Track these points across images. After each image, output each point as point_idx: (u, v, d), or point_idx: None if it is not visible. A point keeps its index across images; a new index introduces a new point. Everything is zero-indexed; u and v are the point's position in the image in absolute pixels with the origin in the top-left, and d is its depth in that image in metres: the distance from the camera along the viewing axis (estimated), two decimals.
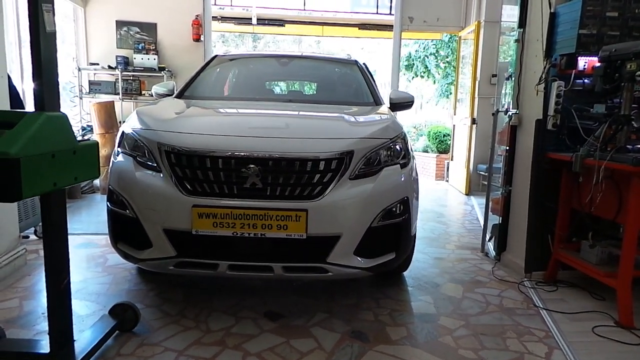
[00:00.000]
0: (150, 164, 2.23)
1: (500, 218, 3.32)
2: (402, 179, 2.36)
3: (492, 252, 3.41)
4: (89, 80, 5.96)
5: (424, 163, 9.05)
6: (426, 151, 9.48)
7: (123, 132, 2.45)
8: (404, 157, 2.43)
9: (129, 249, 2.29)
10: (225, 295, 2.55)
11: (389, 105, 3.36)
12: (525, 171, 3.02)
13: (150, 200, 2.18)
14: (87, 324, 2.20)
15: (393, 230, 2.31)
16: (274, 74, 4.12)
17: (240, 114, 2.82)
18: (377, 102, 3.25)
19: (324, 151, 2.17)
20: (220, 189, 2.12)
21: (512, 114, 3.18)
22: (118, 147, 2.43)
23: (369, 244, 2.22)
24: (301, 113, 2.83)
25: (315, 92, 4.27)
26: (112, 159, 2.45)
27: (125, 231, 2.30)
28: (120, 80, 5.80)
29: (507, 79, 3.46)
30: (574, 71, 2.73)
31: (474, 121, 6.19)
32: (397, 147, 2.42)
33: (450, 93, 13.06)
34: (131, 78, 5.97)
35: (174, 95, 3.30)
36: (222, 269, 2.16)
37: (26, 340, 2.03)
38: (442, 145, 9.08)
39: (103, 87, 5.81)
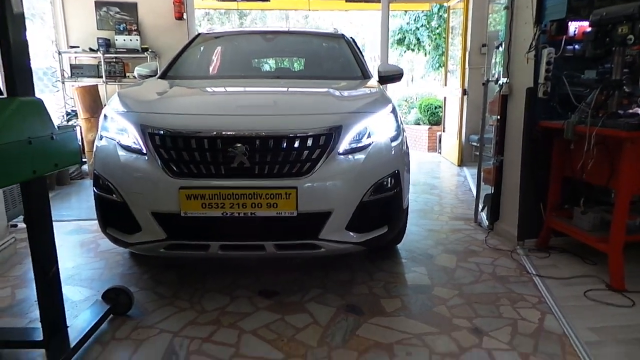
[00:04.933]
0: (135, 146, 2.18)
1: (493, 188, 3.31)
2: (393, 153, 2.33)
3: (485, 222, 3.42)
4: (71, 64, 5.80)
5: (415, 136, 9.02)
6: (418, 124, 9.43)
7: (105, 114, 2.38)
8: (393, 130, 2.40)
9: (118, 233, 2.26)
10: (219, 275, 2.55)
11: (377, 79, 3.30)
12: (517, 140, 3.00)
13: (136, 184, 2.14)
14: (81, 310, 2.18)
15: (385, 204, 2.30)
16: (259, 50, 4.02)
17: (225, 93, 2.75)
18: (366, 75, 3.19)
19: (311, 127, 2.13)
20: (207, 169, 2.08)
21: (503, 83, 3.14)
22: (101, 130, 2.37)
23: (360, 218, 2.20)
24: (288, 89, 2.78)
25: (303, 68, 4.19)
26: (95, 142, 2.40)
27: (113, 216, 2.27)
28: (102, 62, 5.65)
29: (497, 47, 3.40)
30: (564, 37, 2.68)
31: (465, 92, 6.13)
32: (387, 120, 2.38)
33: (442, 65, 12.93)
34: (114, 60, 5.82)
35: (156, 76, 3.22)
36: (214, 250, 2.15)
37: (20, 328, 2.02)
38: (433, 117, 9.03)
39: (85, 71, 5.67)
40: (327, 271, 2.60)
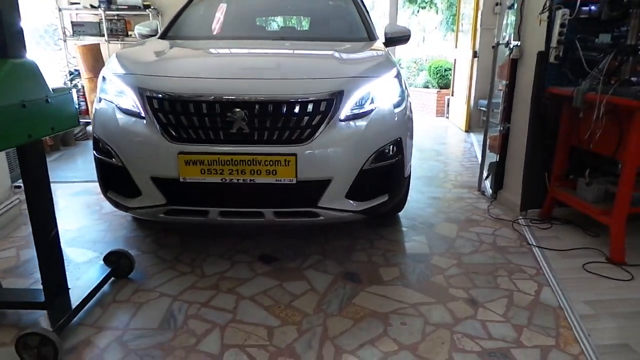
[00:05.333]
0: (133, 110, 2.14)
1: (498, 156, 3.26)
2: (396, 119, 2.28)
3: (489, 191, 3.39)
4: (72, 22, 5.66)
5: (424, 99, 8.84)
6: (427, 87, 9.22)
7: (104, 76, 2.34)
8: (397, 95, 2.33)
9: (118, 197, 2.27)
10: (220, 240, 2.57)
11: (384, 41, 3.19)
12: (525, 107, 2.91)
13: (135, 148, 2.12)
14: (83, 272, 2.23)
15: (386, 172, 2.27)
16: (263, 9, 3.88)
17: (224, 55, 2.67)
18: (371, 37, 3.08)
19: (312, 92, 2.08)
20: (206, 134, 2.05)
21: (513, 46, 3.02)
22: (100, 93, 2.33)
23: (360, 186, 2.18)
24: (289, 52, 2.69)
25: (308, 28, 4.06)
26: (94, 105, 2.37)
27: (113, 180, 2.27)
28: (104, 20, 5.51)
29: (510, 7, 3.25)
30: None
31: (475, 54, 5.93)
32: (390, 85, 2.31)
33: (454, 25, 12.48)
34: (115, 17, 5.67)
35: (157, 36, 3.13)
36: (213, 216, 2.15)
37: (22, 289, 2.07)
38: (443, 80, 8.82)
39: (87, 28, 5.53)
40: (327, 237, 2.61)
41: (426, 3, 12.47)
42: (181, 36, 3.08)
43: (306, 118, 2.06)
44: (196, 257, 2.39)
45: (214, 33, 3.40)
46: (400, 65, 10.96)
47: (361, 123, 2.15)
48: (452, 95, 7.01)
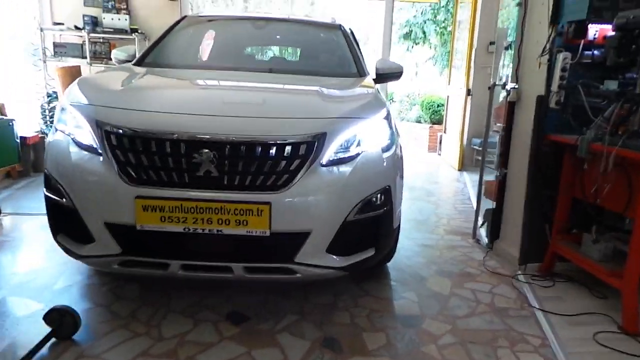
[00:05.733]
0: (89, 145, 1.89)
1: (495, 203, 3.04)
2: (384, 165, 2.06)
3: (485, 240, 3.15)
4: (54, 42, 5.47)
5: (416, 134, 8.72)
6: (419, 121, 9.14)
7: (62, 106, 2.10)
8: (386, 138, 2.12)
9: (69, 242, 1.99)
10: (186, 292, 2.28)
11: (374, 77, 3.01)
12: (523, 153, 2.72)
13: (88, 188, 1.86)
14: (21, 330, 1.92)
15: (372, 224, 2.03)
16: (249, 38, 3.70)
17: (200, 87, 2.45)
18: (361, 73, 2.90)
19: (291, 133, 1.85)
20: (169, 177, 1.80)
21: (511, 88, 2.85)
22: (56, 123, 2.08)
23: (344, 240, 1.94)
24: (271, 86, 2.49)
25: (298, 60, 3.89)
26: (49, 136, 2.12)
27: (64, 222, 2.00)
28: (87, 42, 5.32)
29: (506, 48, 3.11)
30: (582, 41, 2.39)
31: (469, 92, 5.83)
32: (379, 127, 2.10)
33: (448, 64, 12.57)
34: (100, 40, 5.50)
35: (132, 62, 2.92)
36: (174, 269, 1.88)
37: None
38: (435, 115, 8.73)
39: (69, 50, 5.34)
40: (306, 292, 2.33)
41: (420, 39, 12.58)
42: (160, 63, 2.87)
43: (283, 162, 1.83)
44: (155, 314, 2.09)
45: (198, 62, 3.21)
46: (392, 99, 10.95)
47: (345, 169, 1.93)
48: (445, 132, 6.87)
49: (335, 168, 1.92)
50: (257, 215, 1.79)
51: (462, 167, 5.92)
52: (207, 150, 1.78)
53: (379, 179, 2.03)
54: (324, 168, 1.89)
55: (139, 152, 1.81)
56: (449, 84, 6.80)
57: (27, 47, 5.36)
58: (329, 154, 1.90)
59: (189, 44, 3.34)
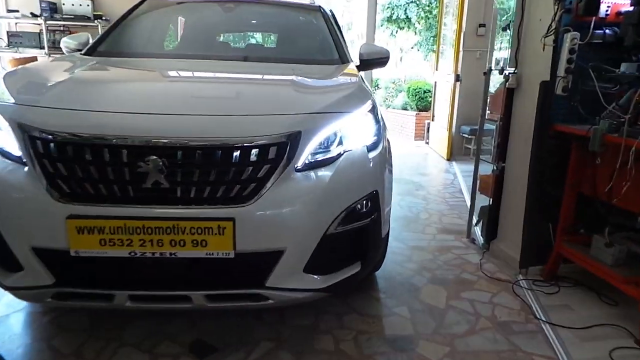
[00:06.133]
0: (11, 153, 1.55)
1: (491, 200, 2.78)
2: (371, 166, 1.77)
3: (480, 239, 2.90)
4: (8, 32, 5.01)
5: (402, 122, 8.44)
6: (405, 108, 8.84)
7: None
8: (372, 135, 1.82)
9: None
10: (143, 319, 1.96)
11: (358, 63, 2.70)
12: (524, 145, 2.44)
13: (11, 206, 1.52)
14: None
15: (358, 236, 1.74)
16: (220, 23, 3.32)
17: (147, 80, 2.09)
18: (344, 59, 2.57)
19: (258, 134, 1.54)
20: (109, 191, 1.48)
21: (509, 73, 2.56)
22: None
23: (324, 256, 1.65)
24: (236, 77, 2.16)
25: (275, 46, 3.55)
26: None
27: None
28: (45, 31, 4.88)
29: (504, 29, 2.81)
30: (594, 18, 2.10)
31: (457, 78, 5.54)
32: (364, 122, 1.80)
33: (434, 49, 12.26)
34: (60, 28, 5.06)
35: (82, 51, 2.55)
36: (120, 301, 1.56)
37: None
38: (422, 102, 8.43)
39: (25, 40, 4.90)
40: (283, 313, 2.04)
41: (405, 23, 12.22)
42: (114, 52, 2.51)
43: (249, 169, 1.52)
44: (105, 348, 1.78)
45: (160, 50, 2.85)
46: (377, 86, 10.63)
47: (325, 173, 1.63)
48: (432, 120, 6.60)
49: (312, 173, 1.61)
50: (219, 233, 1.48)
51: (451, 156, 5.66)
52: (154, 157, 1.45)
53: (365, 183, 1.74)
54: (299, 173, 1.59)
55: (70, 161, 1.47)
56: (436, 70, 6.50)
57: None
58: (304, 156, 1.60)
59: (150, 30, 2.97)
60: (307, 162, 1.61)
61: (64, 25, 5.11)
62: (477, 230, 3.00)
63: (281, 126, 1.58)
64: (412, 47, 13.44)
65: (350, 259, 1.76)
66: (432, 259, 2.67)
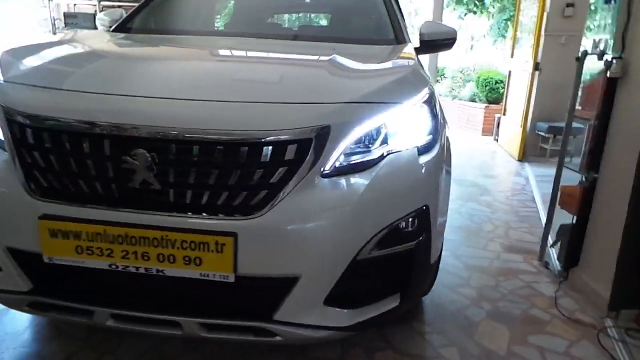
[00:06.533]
0: None
1: (575, 217, 2.25)
2: (422, 173, 1.38)
3: (556, 265, 2.38)
4: (64, 13, 5.03)
5: (469, 115, 7.75)
6: (473, 100, 8.11)
7: None
8: (426, 133, 1.42)
9: None
10: (141, 334, 1.70)
11: (418, 45, 2.26)
12: (628, 152, 1.91)
13: None
14: None
15: (399, 262, 1.36)
16: (268, 2, 3.00)
17: (157, 58, 1.79)
18: (400, 39, 2.16)
19: (273, 127, 1.20)
20: (90, 189, 1.21)
21: (612, 59, 2.02)
22: None
23: (353, 286, 1.29)
24: (267, 56, 1.82)
25: (328, 26, 3.18)
26: None
27: None
28: (99, 11, 4.84)
29: (607, 2, 2.24)
30: None
31: (537, 66, 4.86)
32: (416, 116, 1.41)
33: (507, 31, 11.25)
34: (117, 6, 5.00)
35: (112, 28, 2.33)
36: (101, 319, 1.31)
37: None
38: (492, 94, 7.68)
39: (81, 20, 4.88)
40: None
41: (477, 6, 11.27)
42: (148, 29, 2.28)
43: (260, 172, 1.19)
44: None
45: (203, 28, 2.58)
46: (443, 75, 9.90)
47: (360, 181, 1.27)
48: (504, 113, 5.91)
49: (343, 180, 1.26)
50: (216, 251, 1.17)
51: (524, 157, 5.00)
52: (142, 151, 1.16)
53: (413, 196, 1.35)
54: (326, 180, 1.24)
55: (46, 150, 1.22)
56: (511, 57, 5.80)
57: (38, 18, 4.96)
58: (335, 157, 1.25)
59: (195, 6, 2.72)
60: (337, 165, 1.25)
61: (120, 5, 5.04)
62: (553, 252, 2.48)
63: (305, 118, 1.23)
64: (484, 35, 12.46)
65: (387, 290, 1.39)
66: (495, 286, 2.21)
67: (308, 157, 1.20)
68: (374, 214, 1.27)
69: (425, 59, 7.49)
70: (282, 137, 1.19)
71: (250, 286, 1.22)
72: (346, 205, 1.24)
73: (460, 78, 9.57)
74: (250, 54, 1.81)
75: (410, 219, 1.34)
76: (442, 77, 9.94)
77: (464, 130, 7.56)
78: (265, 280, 1.23)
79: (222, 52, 1.84)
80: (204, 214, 1.18)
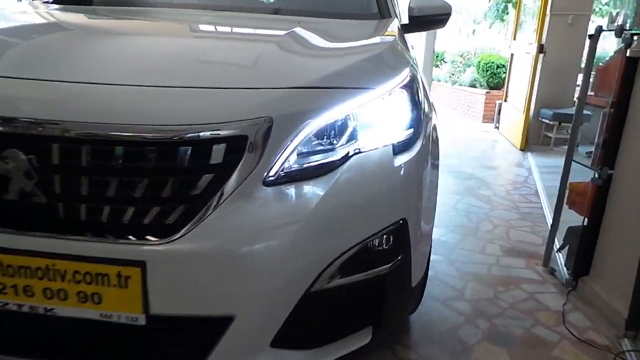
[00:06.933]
0: None
1: (585, 219, 1.96)
2: (399, 178, 1.09)
3: (564, 272, 2.09)
4: None
5: (469, 101, 7.41)
6: (474, 85, 7.75)
7: None
8: (404, 126, 1.12)
9: None
10: None
11: (407, 21, 1.94)
12: None
13: None
14: None
15: (368, 291, 1.08)
16: None
17: (72, 34, 1.46)
18: (384, 14, 1.83)
19: (194, 121, 0.90)
20: None
21: (633, 34, 1.71)
22: None
23: (308, 322, 1.01)
24: (201, 30, 1.50)
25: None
26: None
27: None
28: None
29: None
30: None
31: (541, 49, 4.52)
32: (391, 104, 1.11)
33: (506, 13, 10.84)
34: None
35: None
36: None
37: None
38: (494, 79, 7.32)
39: None
40: None
41: None
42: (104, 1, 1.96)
43: (175, 180, 0.89)
44: None
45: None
46: (443, 59, 9.51)
47: (315, 190, 0.97)
48: (505, 100, 5.58)
49: (293, 188, 0.96)
50: (119, 285, 0.89)
51: (526, 146, 4.68)
52: (18, 152, 0.87)
53: (386, 208, 1.06)
54: (271, 189, 0.94)
55: None
56: (514, 40, 5.45)
57: None
58: (282, 160, 0.95)
59: None
60: (286, 169, 0.95)
61: None
62: (560, 258, 2.19)
63: (237, 108, 0.92)
64: (485, 18, 12.03)
65: (355, 325, 1.11)
66: (493, 298, 1.93)
67: (243, 161, 0.91)
68: (334, 233, 0.98)
69: (421, 41, 7.12)
70: (205, 135, 0.89)
71: (169, 329, 0.94)
72: (296, 222, 0.95)
73: (461, 63, 9.20)
74: (194, 27, 1.49)
75: (383, 237, 1.05)
76: (442, 61, 9.57)
77: (463, 117, 7.24)
78: (188, 322, 0.94)
79: (160, 26, 1.52)
80: (104, 237, 0.89)
